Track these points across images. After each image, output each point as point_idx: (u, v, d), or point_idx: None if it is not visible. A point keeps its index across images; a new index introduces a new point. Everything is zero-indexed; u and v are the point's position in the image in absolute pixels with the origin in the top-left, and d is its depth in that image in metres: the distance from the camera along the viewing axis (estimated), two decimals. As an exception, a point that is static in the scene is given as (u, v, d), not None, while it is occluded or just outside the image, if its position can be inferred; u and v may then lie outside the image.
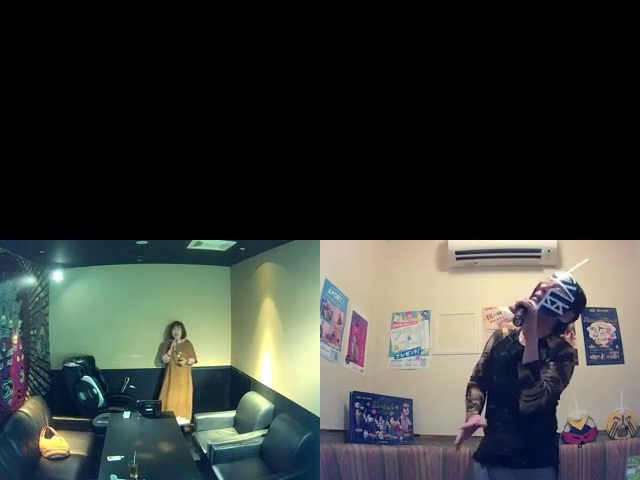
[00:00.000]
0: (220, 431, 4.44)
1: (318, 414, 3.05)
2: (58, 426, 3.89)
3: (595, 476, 3.10)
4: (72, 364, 4.58)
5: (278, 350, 4.11)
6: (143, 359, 5.02)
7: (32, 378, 4.15)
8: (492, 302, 3.62)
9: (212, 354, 5.15)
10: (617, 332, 3.50)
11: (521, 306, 1.94)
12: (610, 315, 3.53)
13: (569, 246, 3.64)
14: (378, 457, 3.17)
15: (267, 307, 4.36)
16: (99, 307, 4.80)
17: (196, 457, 3.91)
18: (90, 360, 4.80)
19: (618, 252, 3.55)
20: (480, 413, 2.15)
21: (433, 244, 3.89)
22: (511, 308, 2.00)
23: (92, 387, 4.55)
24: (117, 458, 3.22)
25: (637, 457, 3.09)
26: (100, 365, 4.87)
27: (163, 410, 4.72)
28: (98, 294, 4.82)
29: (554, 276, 2.08)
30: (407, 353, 3.78)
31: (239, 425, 4.46)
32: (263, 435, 3.87)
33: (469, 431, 2.07)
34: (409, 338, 3.80)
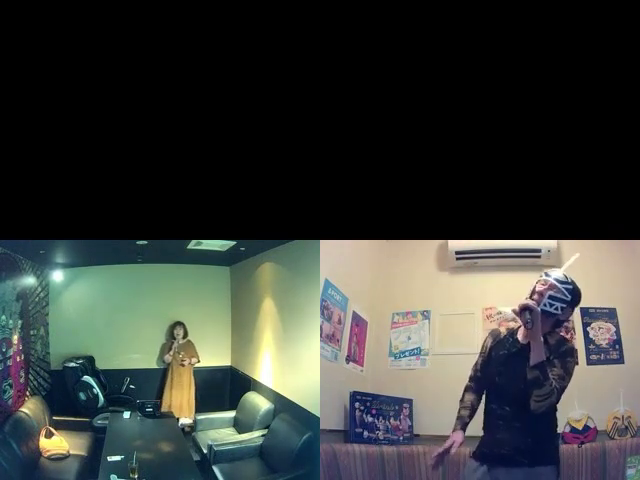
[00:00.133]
0: (220, 431, 4.44)
1: (318, 414, 3.05)
2: (58, 426, 3.89)
3: (595, 476, 3.10)
4: (72, 364, 4.58)
5: (278, 350, 4.11)
6: (143, 359, 5.02)
7: (32, 378, 4.15)
8: (492, 302, 3.62)
9: (212, 354, 5.15)
10: (617, 332, 3.50)
11: (526, 308, 1.94)
12: (610, 315, 3.53)
13: (569, 246, 3.64)
14: (378, 457, 3.17)
15: (267, 307, 4.36)
16: (99, 307, 4.80)
17: (196, 457, 3.91)
18: (90, 360, 4.80)
19: (618, 252, 3.55)
20: (469, 421, 2.17)
21: (433, 244, 3.89)
22: (514, 311, 2.00)
23: (92, 387, 4.55)
24: (117, 458, 3.22)
25: (637, 457, 3.09)
26: (100, 365, 4.87)
27: (167, 410, 4.73)
28: (98, 294, 4.82)
29: (547, 275, 2.08)
30: (407, 353, 3.78)
31: (239, 425, 4.46)
32: (263, 435, 3.86)
33: (448, 450, 2.10)
34: (409, 338, 3.80)
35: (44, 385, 4.45)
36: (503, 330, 2.20)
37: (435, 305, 3.80)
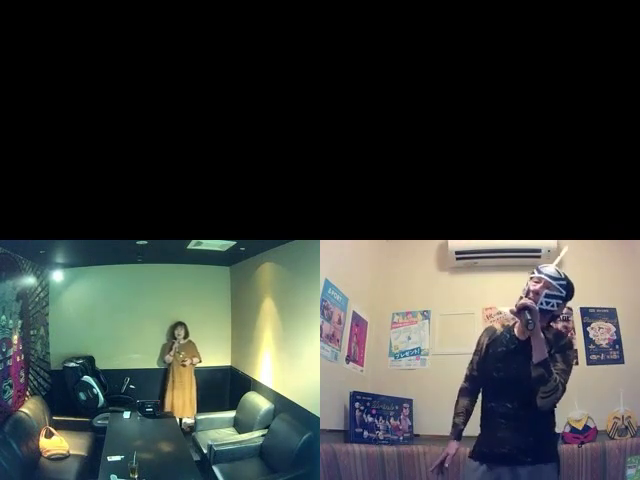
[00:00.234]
0: (220, 431, 4.44)
1: (318, 414, 3.05)
2: (58, 426, 3.89)
3: (595, 476, 3.10)
4: (72, 364, 4.58)
5: (278, 350, 4.11)
6: (143, 359, 5.02)
7: (32, 378, 4.15)
8: (492, 302, 3.63)
9: (212, 354, 5.15)
10: (617, 332, 3.50)
11: (525, 308, 1.94)
12: (610, 315, 3.53)
13: (569, 246, 3.64)
14: (378, 457, 3.17)
15: (267, 307, 4.36)
16: (99, 307, 4.80)
17: (196, 457, 3.91)
18: (90, 360, 4.81)
19: (618, 252, 3.55)
20: (464, 427, 2.18)
21: (433, 244, 3.89)
22: (512, 311, 2.00)
23: (92, 387, 4.55)
24: (117, 458, 3.22)
25: (637, 457, 3.09)
26: (100, 365, 4.87)
27: (169, 410, 4.73)
28: (98, 294, 4.83)
29: (539, 272, 2.07)
30: (407, 353, 3.78)
31: (239, 425, 4.46)
32: (263, 435, 3.86)
33: (444, 462, 2.14)
34: (409, 338, 3.80)
35: (44, 385, 4.45)
36: (498, 327, 2.20)
37: (435, 305, 3.80)
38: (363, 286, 3.77)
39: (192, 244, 4.07)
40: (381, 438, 3.37)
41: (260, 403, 4.23)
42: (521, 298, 2.03)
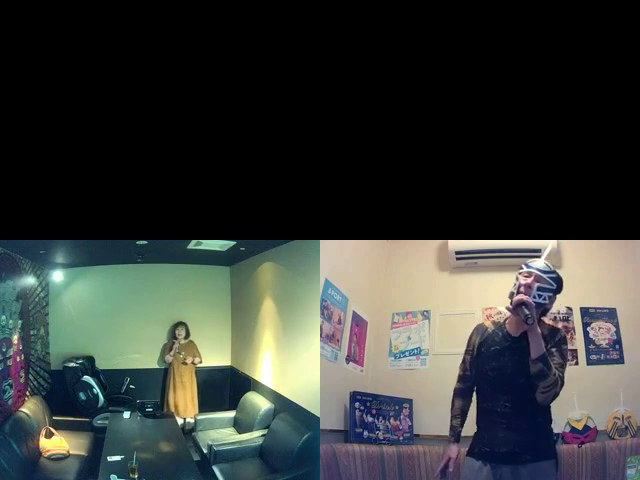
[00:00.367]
0: (220, 431, 4.43)
1: (318, 414, 3.05)
2: (58, 426, 3.89)
3: (595, 476, 3.10)
4: (72, 364, 4.57)
5: (278, 350, 4.11)
6: (143, 359, 5.02)
7: (32, 378, 4.15)
8: (492, 302, 3.62)
9: (212, 354, 5.15)
10: (617, 332, 3.50)
11: (522, 304, 1.94)
12: (610, 315, 3.53)
13: (569, 246, 3.64)
14: (378, 457, 3.17)
15: (267, 307, 4.36)
16: (99, 307, 4.79)
17: (196, 457, 3.90)
18: (90, 360, 4.80)
19: (618, 252, 3.55)
20: (462, 429, 2.18)
21: (433, 244, 3.89)
22: (509, 308, 2.00)
23: (92, 387, 4.55)
24: (117, 458, 3.22)
25: (637, 457, 3.08)
26: (100, 365, 4.86)
27: (172, 410, 4.73)
28: (98, 294, 4.82)
29: (528, 266, 2.08)
30: (407, 353, 3.78)
31: (239, 425, 4.46)
32: (263, 435, 3.86)
33: (447, 466, 2.14)
34: (409, 338, 3.80)
35: (44, 385, 4.45)
36: (489, 324, 2.19)
37: (435, 305, 3.80)
38: (363, 286, 3.77)
39: (192, 244, 4.07)
40: (381, 438, 3.37)
41: (260, 403, 4.23)
42: (512, 295, 2.03)
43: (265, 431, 3.89)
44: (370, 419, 3.36)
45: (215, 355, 5.19)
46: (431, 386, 3.59)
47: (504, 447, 2.00)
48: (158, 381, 5.01)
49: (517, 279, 2.07)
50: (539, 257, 3.51)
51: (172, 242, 3.91)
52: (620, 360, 3.45)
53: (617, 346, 3.47)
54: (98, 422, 4.30)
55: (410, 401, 3.56)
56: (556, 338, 2.02)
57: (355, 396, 3.32)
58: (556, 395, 1.95)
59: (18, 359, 3.78)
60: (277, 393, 4.05)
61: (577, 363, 3.48)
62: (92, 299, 4.79)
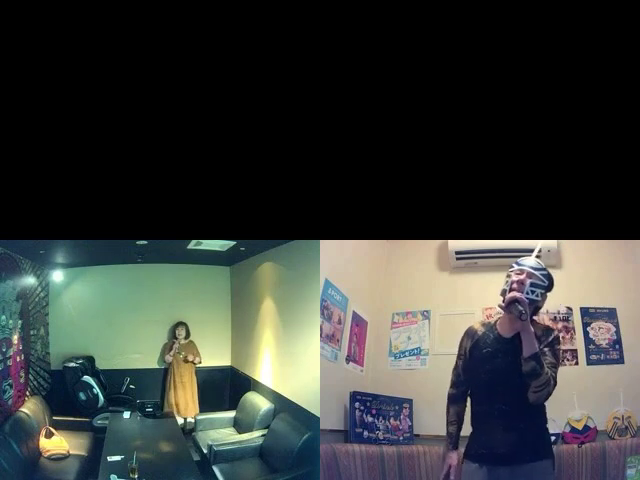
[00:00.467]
0: (220, 431, 4.44)
1: (318, 414, 3.05)
2: (58, 426, 3.89)
3: (595, 476, 3.10)
4: (72, 364, 4.57)
5: (278, 350, 4.11)
6: (143, 359, 5.02)
7: (32, 378, 4.15)
8: (492, 302, 3.58)
9: (212, 354, 5.15)
10: (617, 332, 3.50)
11: (515, 300, 1.93)
12: (610, 315, 3.53)
13: (569, 246, 3.64)
14: (378, 457, 3.17)
15: (267, 307, 4.36)
16: (99, 307, 4.79)
17: (196, 457, 3.90)
18: (90, 360, 4.80)
19: (618, 252, 3.55)
20: (459, 434, 2.16)
21: (433, 244, 3.89)
22: (501, 306, 2.00)
23: (92, 387, 4.55)
24: (117, 458, 3.22)
25: (637, 457, 3.09)
26: (100, 365, 4.86)
27: (173, 410, 4.73)
28: (98, 294, 4.82)
29: (519, 264, 2.08)
30: (407, 353, 3.78)
31: (239, 425, 4.46)
32: (263, 435, 3.86)
33: (449, 475, 2.12)
34: (409, 338, 3.80)
35: (44, 385, 4.45)
36: (478, 327, 2.16)
37: (435, 305, 3.80)
38: (363, 286, 3.77)
39: (192, 244, 4.07)
40: (381, 438, 3.37)
41: (260, 403, 4.23)
42: (504, 293, 2.02)
43: (265, 431, 3.89)
44: (370, 419, 3.36)
45: (215, 355, 5.19)
46: (431, 386, 3.59)
47: (501, 448, 1.99)
48: (158, 381, 5.01)
49: (509, 277, 2.07)
50: (538, 257, 3.55)
51: (172, 242, 3.91)
52: (620, 360, 3.45)
53: (617, 346, 3.47)
54: (98, 422, 4.30)
55: (410, 401, 3.56)
56: (549, 338, 2.01)
57: (355, 396, 3.32)
58: (549, 395, 1.94)
59: (18, 359, 3.78)
60: (277, 393, 4.05)
61: (577, 363, 3.48)
62: (92, 299, 4.79)
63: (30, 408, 3.71)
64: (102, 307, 4.79)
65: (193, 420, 4.69)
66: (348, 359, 3.46)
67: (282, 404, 3.90)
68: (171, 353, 4.91)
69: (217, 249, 4.33)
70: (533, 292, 2.02)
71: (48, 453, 3.50)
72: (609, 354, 3.47)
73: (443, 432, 2.31)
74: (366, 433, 3.32)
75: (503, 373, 1.99)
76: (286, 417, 3.73)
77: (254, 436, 3.91)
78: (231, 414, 4.63)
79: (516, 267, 2.08)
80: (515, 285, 2.02)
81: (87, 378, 4.56)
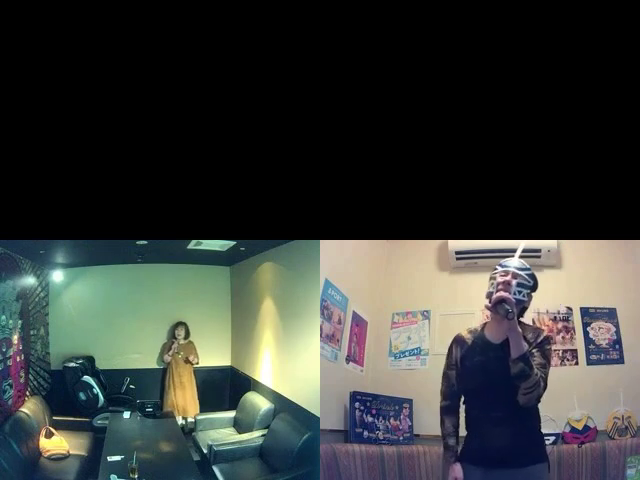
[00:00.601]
0: (220, 431, 4.43)
1: (318, 414, 3.05)
2: (58, 426, 3.89)
3: (595, 476, 3.10)
4: (72, 364, 4.57)
5: (278, 350, 4.11)
6: (143, 359, 5.02)
7: (32, 378, 4.15)
8: (492, 302, 3.62)
9: (212, 354, 5.15)
10: (617, 332, 3.50)
11: (502, 300, 1.91)
12: (610, 315, 3.53)
13: (569, 246, 3.64)
14: (378, 457, 3.17)
15: (267, 307, 4.36)
16: (99, 307, 4.79)
17: (196, 457, 3.90)
18: (90, 360, 4.80)
19: (618, 252, 3.55)
20: (459, 446, 2.10)
21: (433, 244, 3.89)
22: (488, 307, 1.97)
23: (92, 387, 4.55)
24: (117, 458, 3.22)
25: (637, 457, 3.09)
26: (100, 365, 4.86)
27: (172, 410, 4.73)
28: (98, 294, 4.82)
29: (503, 266, 2.06)
30: (407, 353, 3.78)
31: (239, 425, 4.46)
32: (263, 435, 3.86)
33: None
34: (409, 338, 3.80)
35: (44, 385, 4.45)
36: (466, 335, 2.13)
37: (435, 305, 3.80)
38: (363, 286, 3.77)
39: (192, 244, 4.07)
40: (381, 438, 3.37)
41: (260, 403, 4.23)
42: (490, 295, 1.99)
43: (265, 431, 3.89)
44: (370, 419, 3.36)
45: (215, 355, 5.19)
46: (431, 386, 3.55)
47: (496, 453, 1.97)
48: (158, 381, 5.01)
49: (493, 279, 2.05)
50: (538, 257, 3.56)
51: (172, 242, 3.91)
52: (620, 360, 3.45)
53: (617, 346, 3.47)
54: (98, 422, 4.30)
55: (410, 401, 3.56)
56: (538, 339, 1.99)
57: (355, 396, 3.32)
58: (539, 396, 1.91)
59: (18, 359, 3.78)
60: (277, 393, 4.05)
61: (577, 363, 3.48)
62: (92, 299, 4.79)
63: (30, 408, 3.71)
64: (102, 307, 4.80)
65: (193, 420, 4.69)
66: (348, 359, 3.46)
67: (282, 404, 3.90)
68: (170, 353, 4.90)
69: (217, 249, 4.33)
70: (520, 292, 2.00)
71: (48, 453, 3.50)
72: (609, 354, 3.47)
73: (443, 432, 2.31)
74: (366, 433, 3.32)
75: (496, 380, 1.96)
76: (286, 417, 3.73)
77: (254, 436, 3.91)
78: (231, 414, 4.63)
79: (500, 269, 2.06)
80: (501, 286, 1.99)
81: (87, 378, 4.56)
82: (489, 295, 2.01)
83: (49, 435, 3.65)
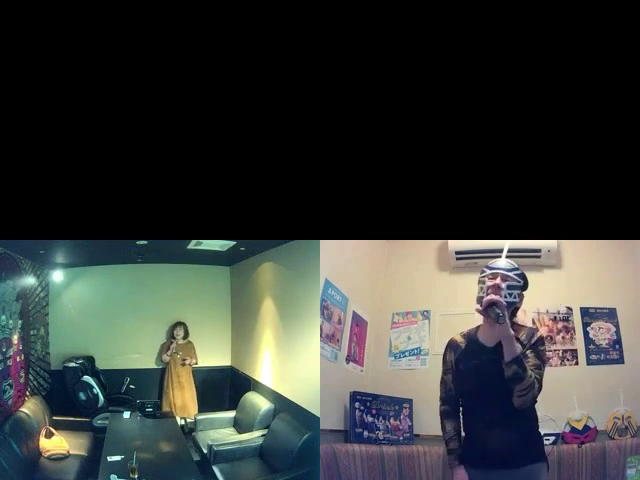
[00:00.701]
0: (220, 431, 4.43)
1: (318, 414, 3.05)
2: (58, 426, 3.89)
3: (595, 476, 3.10)
4: (72, 364, 4.57)
5: (278, 350, 4.11)
6: (143, 359, 5.02)
7: (32, 378, 4.15)
8: (492, 302, 3.62)
9: (212, 354, 5.15)
10: (617, 332, 3.50)
11: (493, 304, 1.89)
12: (610, 315, 3.53)
13: (569, 246, 3.64)
14: (378, 457, 3.17)
15: (267, 307, 4.36)
16: (99, 307, 4.79)
17: (196, 457, 3.90)
18: (90, 360, 4.80)
19: (618, 252, 3.55)
20: (461, 449, 2.08)
21: (433, 244, 3.89)
22: (479, 310, 1.96)
23: (92, 387, 4.55)
24: (117, 458, 3.22)
25: (637, 457, 3.09)
26: (100, 365, 4.86)
27: (169, 410, 4.73)
28: (98, 294, 4.82)
29: (491, 268, 2.05)
30: (407, 353, 3.78)
31: (239, 425, 4.46)
32: (263, 435, 3.86)
33: None
34: (409, 338, 3.80)
35: (44, 385, 4.45)
36: (460, 339, 2.12)
37: (435, 305, 3.80)
38: (363, 286, 3.77)
39: (192, 244, 4.07)
40: (381, 438, 3.37)
41: (260, 403, 4.23)
42: (481, 299, 1.97)
43: (265, 431, 3.89)
44: (370, 419, 3.36)
45: (215, 355, 5.19)
46: (431, 386, 3.55)
47: (494, 454, 1.96)
48: (158, 381, 5.01)
49: (482, 283, 2.03)
50: (537, 257, 3.56)
51: (172, 242, 3.91)
52: (620, 360, 3.45)
53: (617, 346, 3.47)
54: (98, 422, 4.30)
55: (410, 401, 3.56)
56: (532, 340, 1.98)
57: (355, 396, 3.32)
58: (534, 398, 1.90)
59: (18, 359, 3.78)
60: (277, 393, 4.05)
61: (577, 363, 3.48)
62: (92, 299, 4.79)
63: (30, 408, 3.71)
64: (102, 307, 4.79)
65: (192, 420, 4.69)
66: (348, 359, 3.46)
67: (282, 404, 3.90)
68: (168, 353, 4.90)
69: (217, 249, 4.33)
70: (511, 294, 1.99)
71: (48, 453, 3.50)
72: (609, 354, 3.47)
73: (443, 432, 2.30)
74: (366, 433, 3.32)
75: (491, 383, 1.95)
76: (286, 417, 3.73)
77: (254, 436, 3.91)
78: (231, 414, 4.63)
79: (488, 271, 2.04)
80: (491, 290, 1.98)
81: (87, 378, 4.56)
82: (479, 299, 2.00)
83: (49, 435, 3.65)
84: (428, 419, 3.52)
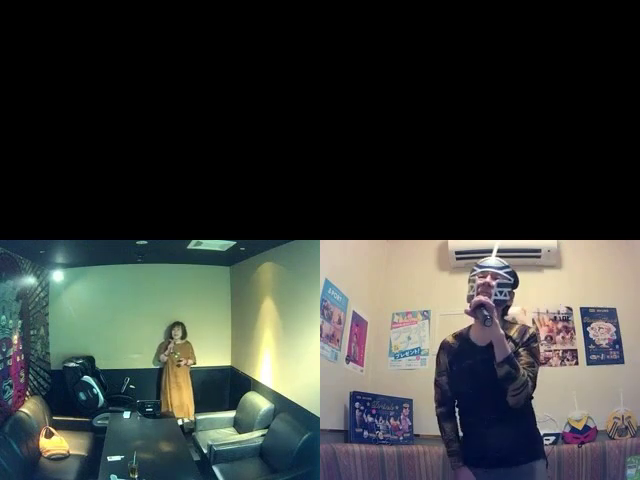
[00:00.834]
0: (220, 431, 4.43)
1: (318, 414, 3.05)
2: (58, 426, 3.89)
3: (595, 476, 3.10)
4: (72, 364, 4.57)
5: (278, 350, 4.11)
6: (143, 359, 5.02)
7: (32, 378, 4.15)
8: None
9: (212, 354, 5.15)
10: (617, 332, 3.50)
11: (481, 305, 1.89)
12: (610, 315, 3.53)
13: (569, 246, 3.64)
14: (378, 457, 3.17)
15: (267, 307, 4.36)
16: (99, 307, 4.79)
17: (196, 457, 3.91)
18: (90, 360, 4.80)
19: (618, 252, 3.55)
20: (462, 449, 2.07)
21: (433, 244, 3.89)
22: (467, 312, 1.95)
23: (92, 387, 4.55)
24: (117, 458, 3.22)
25: (637, 457, 3.09)
26: (100, 365, 4.87)
27: (168, 410, 4.73)
28: (98, 294, 4.82)
29: (481, 267, 2.05)
30: (407, 353, 3.78)
31: (239, 425, 4.46)
32: (263, 435, 3.86)
33: None
34: (409, 338, 3.80)
35: (44, 385, 4.45)
36: (452, 340, 2.11)
37: (435, 305, 3.80)
38: (363, 286, 3.77)
39: (192, 244, 4.07)
40: (381, 438, 3.37)
41: (260, 403, 4.23)
42: (471, 298, 1.97)
43: (265, 431, 3.89)
44: (370, 419, 3.36)
45: (215, 355, 5.19)
46: (431, 386, 3.56)
47: (493, 453, 1.96)
48: (157, 381, 5.02)
49: (472, 281, 2.03)
50: (537, 257, 3.56)
51: (172, 242, 3.91)
52: (620, 360, 3.45)
53: (617, 346, 3.47)
54: (98, 422, 4.30)
55: (410, 401, 3.56)
56: (525, 338, 1.97)
57: (355, 396, 3.32)
58: (528, 396, 1.90)
59: (18, 359, 3.78)
60: (277, 393, 4.05)
61: (577, 363, 3.48)
62: (92, 299, 4.79)
63: (30, 408, 3.71)
64: (102, 307, 4.79)
65: (190, 420, 4.68)
66: (348, 359, 3.46)
67: (282, 404, 3.90)
68: (166, 353, 4.90)
69: (217, 249, 4.33)
70: (501, 292, 1.98)
71: (48, 453, 3.50)
72: (609, 354, 3.47)
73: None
74: (366, 433, 3.32)
75: (485, 382, 1.94)
76: (286, 417, 3.73)
77: (254, 436, 3.91)
78: (231, 414, 4.63)
79: (478, 270, 2.04)
80: (481, 289, 1.98)
81: (87, 378, 4.57)
82: (470, 299, 1.99)
83: (49, 435, 3.66)
84: (428, 419, 3.50)
